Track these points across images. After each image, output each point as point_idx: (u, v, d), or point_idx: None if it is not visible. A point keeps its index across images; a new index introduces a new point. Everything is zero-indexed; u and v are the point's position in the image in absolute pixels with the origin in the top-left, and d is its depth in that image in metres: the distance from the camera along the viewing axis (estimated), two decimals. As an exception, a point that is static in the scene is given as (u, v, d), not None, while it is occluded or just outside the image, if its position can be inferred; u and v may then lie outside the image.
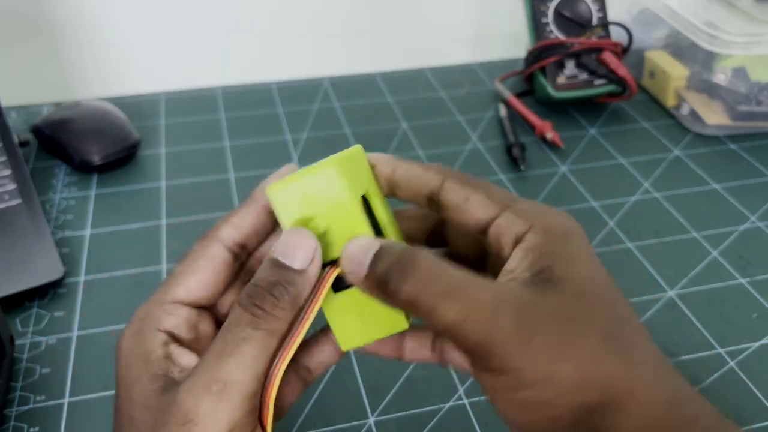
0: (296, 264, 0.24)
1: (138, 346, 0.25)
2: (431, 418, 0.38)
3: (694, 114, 0.65)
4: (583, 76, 0.66)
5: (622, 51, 0.67)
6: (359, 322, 0.27)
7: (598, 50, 0.66)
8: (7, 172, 0.52)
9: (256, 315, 0.23)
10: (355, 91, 0.71)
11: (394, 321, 0.27)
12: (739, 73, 0.63)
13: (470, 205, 0.27)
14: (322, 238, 0.26)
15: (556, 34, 0.66)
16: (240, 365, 0.23)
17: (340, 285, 0.27)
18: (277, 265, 0.24)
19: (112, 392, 0.39)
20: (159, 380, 0.24)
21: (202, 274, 0.27)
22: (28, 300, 0.45)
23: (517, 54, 0.74)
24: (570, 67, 0.66)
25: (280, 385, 0.27)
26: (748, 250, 0.51)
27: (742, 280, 0.48)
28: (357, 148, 0.28)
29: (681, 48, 0.67)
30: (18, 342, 0.42)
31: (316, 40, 0.78)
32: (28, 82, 0.71)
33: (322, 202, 0.25)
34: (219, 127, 0.65)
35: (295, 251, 0.24)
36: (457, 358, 0.28)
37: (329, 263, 0.26)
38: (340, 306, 0.27)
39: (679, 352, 0.43)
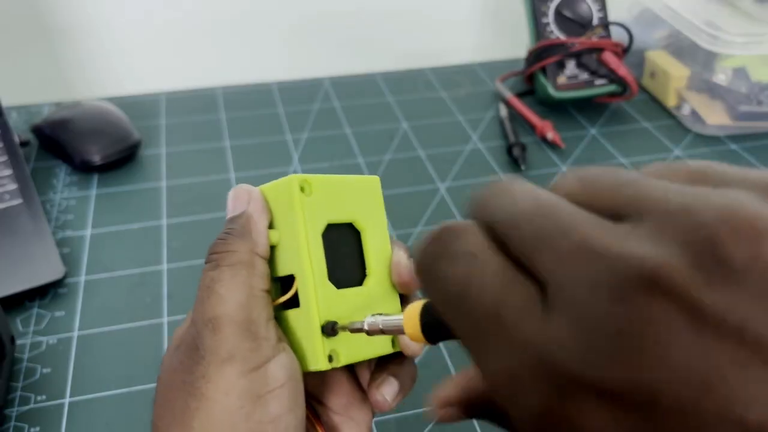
0: (231, 214, 0.27)
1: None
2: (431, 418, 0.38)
3: (694, 114, 0.65)
4: (584, 76, 0.66)
5: (623, 51, 0.67)
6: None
7: (598, 50, 0.66)
8: (8, 172, 0.52)
9: (214, 260, 0.25)
10: (355, 91, 0.71)
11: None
12: (740, 73, 0.63)
13: None
14: (280, 249, 0.26)
15: (557, 34, 0.66)
16: (219, 302, 0.24)
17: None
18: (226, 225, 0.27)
19: (113, 392, 0.39)
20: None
21: None
22: (28, 300, 0.45)
23: (517, 54, 0.74)
24: (570, 67, 0.66)
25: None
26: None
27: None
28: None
29: (682, 48, 0.67)
30: (19, 342, 0.42)
31: (317, 40, 0.78)
32: (29, 82, 0.71)
33: (284, 214, 0.26)
34: (219, 127, 0.65)
35: (233, 208, 0.27)
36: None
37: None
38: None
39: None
